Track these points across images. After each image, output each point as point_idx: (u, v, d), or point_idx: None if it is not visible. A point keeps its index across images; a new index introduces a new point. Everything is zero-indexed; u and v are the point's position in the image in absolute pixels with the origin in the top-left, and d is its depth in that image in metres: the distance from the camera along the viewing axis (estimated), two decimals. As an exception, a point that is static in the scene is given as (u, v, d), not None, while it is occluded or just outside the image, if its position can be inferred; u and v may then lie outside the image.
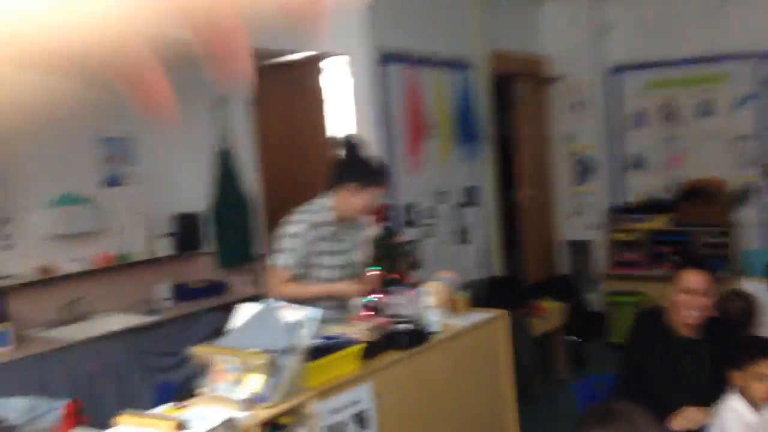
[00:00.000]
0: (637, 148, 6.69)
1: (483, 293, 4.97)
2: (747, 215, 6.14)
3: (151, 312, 4.51)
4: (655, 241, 6.30)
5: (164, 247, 4.95)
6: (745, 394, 2.50)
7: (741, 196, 6.16)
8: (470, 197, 5.62)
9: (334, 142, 4.58)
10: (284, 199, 4.94)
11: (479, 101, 5.66)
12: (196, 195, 5.08)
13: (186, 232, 5.10)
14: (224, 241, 4.99)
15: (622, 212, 6.60)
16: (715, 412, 2.55)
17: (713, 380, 2.88)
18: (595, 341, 5.93)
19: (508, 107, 6.33)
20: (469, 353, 3.02)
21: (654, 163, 6.62)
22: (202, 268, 5.13)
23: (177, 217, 5.12)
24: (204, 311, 4.55)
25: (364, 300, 3.00)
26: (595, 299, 6.48)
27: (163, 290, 4.78)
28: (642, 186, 6.67)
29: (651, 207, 6.45)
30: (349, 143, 3.20)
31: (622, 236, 6.44)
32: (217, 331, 2.35)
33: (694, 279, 2.90)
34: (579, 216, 6.85)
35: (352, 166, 3.08)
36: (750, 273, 5.91)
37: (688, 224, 6.11)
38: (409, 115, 4.93)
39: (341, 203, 3.04)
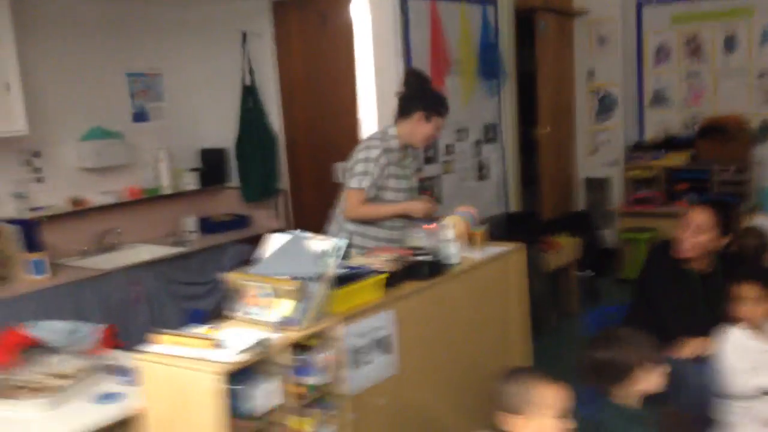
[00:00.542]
0: (658, 84, 6.66)
1: (500, 228, 5.08)
2: (766, 152, 6.14)
3: (178, 243, 4.68)
4: (672, 178, 6.33)
5: (190, 182, 5.09)
6: (743, 319, 2.62)
7: (761, 133, 6.15)
8: (490, 134, 5.66)
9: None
10: (310, 135, 5.05)
11: (502, 36, 5.64)
12: (221, 130, 5.18)
13: (211, 167, 5.23)
14: (248, 176, 5.11)
15: (640, 149, 6.62)
16: (718, 340, 2.67)
17: (723, 313, 3.00)
18: (607, 276, 6.05)
19: (530, 42, 6.30)
20: (485, 285, 3.15)
21: (675, 100, 6.59)
22: (227, 202, 5.27)
23: (202, 152, 5.24)
24: (229, 243, 4.71)
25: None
26: (609, 236, 6.57)
27: (189, 223, 4.94)
28: (662, 123, 6.67)
29: (669, 144, 6.47)
30: (416, 74, 3.48)
31: (639, 173, 6.48)
32: (244, 262, 2.48)
33: (694, 215, 2.99)
34: (597, 153, 6.87)
35: (418, 97, 3.35)
36: (767, 209, 5.97)
37: (707, 161, 6.13)
38: (432, 51, 4.93)
39: (406, 131, 3.36)
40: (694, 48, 6.43)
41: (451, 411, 2.92)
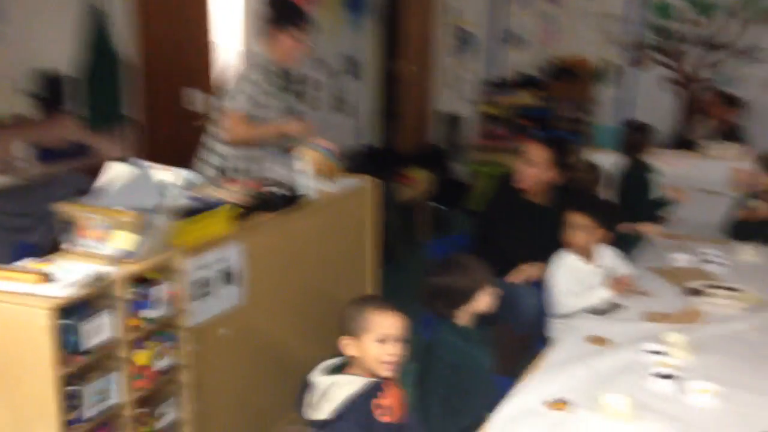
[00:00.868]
0: (516, 24, 6.86)
1: (358, 161, 5.14)
2: (606, 93, 6.55)
3: (7, 172, 4.35)
4: (521, 115, 6.64)
5: (26, 107, 4.72)
6: (572, 245, 2.86)
7: (602, 75, 6.55)
8: (351, 66, 5.65)
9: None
10: (165, 61, 4.80)
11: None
12: (62, 54, 4.81)
13: (50, 92, 4.86)
14: (93, 103, 4.82)
15: (494, 87, 6.86)
16: (552, 265, 2.90)
17: (559, 241, 3.24)
18: (457, 208, 6.32)
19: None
20: (338, 218, 3.21)
21: (530, 40, 6.84)
22: (68, 130, 4.95)
23: (41, 76, 4.86)
24: (65, 173, 4.44)
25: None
26: (461, 169, 6.83)
27: (21, 150, 4.60)
28: (517, 62, 6.92)
29: (522, 83, 6.74)
30: None
31: (491, 110, 6.74)
32: (81, 192, 2.37)
33: (530, 150, 3.19)
34: (455, 88, 7.06)
35: (276, 17, 3.31)
36: (602, 146, 6.42)
37: (554, 100, 6.47)
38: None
39: (277, 49, 3.31)
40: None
41: (301, 339, 2.99)
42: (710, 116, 5.51)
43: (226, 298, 2.51)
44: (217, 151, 3.37)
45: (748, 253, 3.20)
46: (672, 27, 6.17)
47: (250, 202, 2.70)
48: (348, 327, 1.95)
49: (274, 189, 2.86)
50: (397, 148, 6.58)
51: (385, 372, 1.92)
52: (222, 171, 3.35)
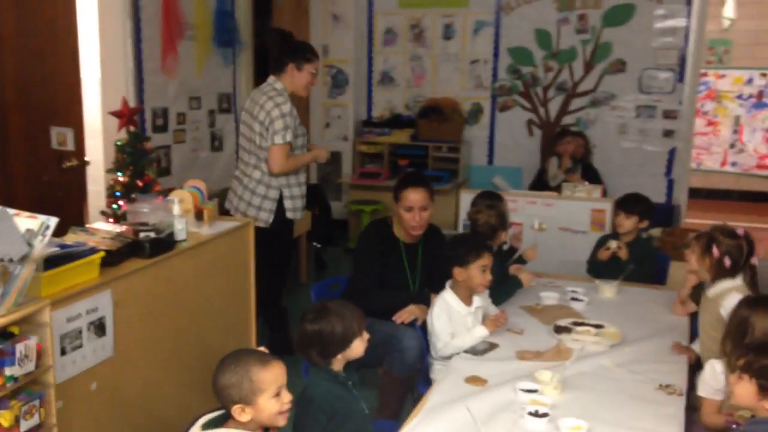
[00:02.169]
0: (386, 65, 7.06)
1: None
2: (475, 134, 6.85)
3: None
4: (395, 153, 6.81)
5: None
6: (456, 288, 2.92)
7: (472, 116, 6.84)
8: (225, 103, 5.57)
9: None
10: (23, 97, 4.51)
11: (239, 4, 5.55)
12: None
13: None
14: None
15: (369, 125, 7.00)
16: (432, 305, 2.95)
17: (429, 279, 3.31)
18: (336, 247, 6.35)
19: (268, 13, 6.29)
20: (214, 261, 3.12)
21: (400, 81, 7.04)
22: None
23: None
24: None
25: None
26: (339, 207, 6.89)
27: None
28: (388, 101, 7.10)
29: (394, 122, 6.92)
30: (275, 32, 4.00)
31: (367, 148, 6.86)
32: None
33: (413, 197, 3.25)
34: (330, 127, 7.13)
35: (284, 51, 3.80)
36: (474, 185, 6.68)
37: (425, 140, 6.68)
38: (164, 13, 4.69)
39: (295, 83, 3.80)
40: (418, 33, 6.91)
41: (179, 391, 2.87)
42: (569, 159, 5.87)
43: (97, 351, 2.37)
44: (273, 185, 3.78)
45: (609, 291, 3.41)
46: (531, 72, 6.56)
47: (120, 247, 2.58)
48: (235, 395, 1.87)
49: (146, 233, 2.75)
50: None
51: (282, 421, 1.90)
52: (281, 200, 3.81)
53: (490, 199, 3.48)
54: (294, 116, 3.69)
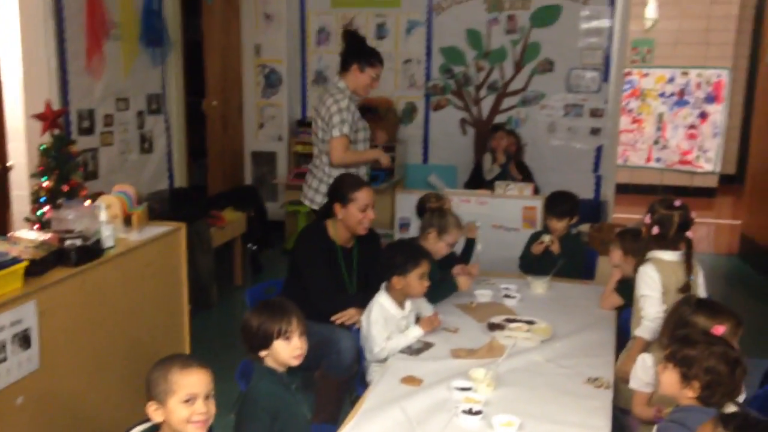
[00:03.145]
0: (320, 64, 7.03)
1: (164, 205, 4.95)
2: (410, 133, 6.89)
3: None
4: (331, 154, 6.78)
5: None
6: (391, 292, 2.94)
7: (406, 115, 6.88)
8: (154, 104, 5.45)
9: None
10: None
11: (166, 3, 5.43)
12: None
13: None
14: None
15: (303, 125, 6.95)
16: (367, 309, 2.95)
17: (365, 282, 3.32)
18: (272, 248, 6.29)
19: (197, 12, 6.19)
20: (144, 267, 3.06)
21: (334, 80, 6.99)
22: None
23: None
24: None
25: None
26: (275, 209, 6.83)
27: None
28: (322, 101, 7.06)
29: (330, 122, 6.88)
30: (349, 34, 4.13)
31: (302, 148, 6.83)
32: None
33: (368, 196, 3.26)
34: (264, 127, 7.06)
35: (351, 52, 3.98)
36: (410, 185, 6.73)
37: (361, 139, 6.67)
38: (87, 12, 4.55)
39: (351, 83, 3.95)
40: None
41: (108, 400, 2.80)
42: (501, 157, 5.99)
43: (22, 364, 2.30)
44: (334, 175, 3.84)
45: (540, 287, 3.49)
46: (463, 72, 6.64)
47: (45, 256, 2.51)
48: (153, 392, 1.87)
49: (72, 241, 2.67)
50: (207, 189, 6.44)
51: None
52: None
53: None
54: (351, 111, 3.91)
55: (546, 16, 6.39)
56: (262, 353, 2.25)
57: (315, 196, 4.06)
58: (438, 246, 3.44)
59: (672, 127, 9.06)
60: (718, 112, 8.83)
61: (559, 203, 3.86)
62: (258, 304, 2.35)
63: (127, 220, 3.14)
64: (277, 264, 6.09)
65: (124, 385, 2.85)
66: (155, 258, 3.15)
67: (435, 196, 3.65)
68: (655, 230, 2.80)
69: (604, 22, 6.32)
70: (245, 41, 6.91)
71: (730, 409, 2.04)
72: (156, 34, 5.30)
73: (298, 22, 6.97)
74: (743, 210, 6.86)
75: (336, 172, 3.87)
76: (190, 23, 6.09)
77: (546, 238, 3.76)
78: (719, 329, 2.18)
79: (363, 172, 4.07)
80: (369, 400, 2.42)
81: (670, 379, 2.13)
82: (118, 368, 2.84)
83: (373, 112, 6.67)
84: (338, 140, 3.86)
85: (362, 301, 3.12)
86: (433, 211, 3.49)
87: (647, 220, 2.84)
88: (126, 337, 2.92)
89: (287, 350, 2.25)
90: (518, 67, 6.54)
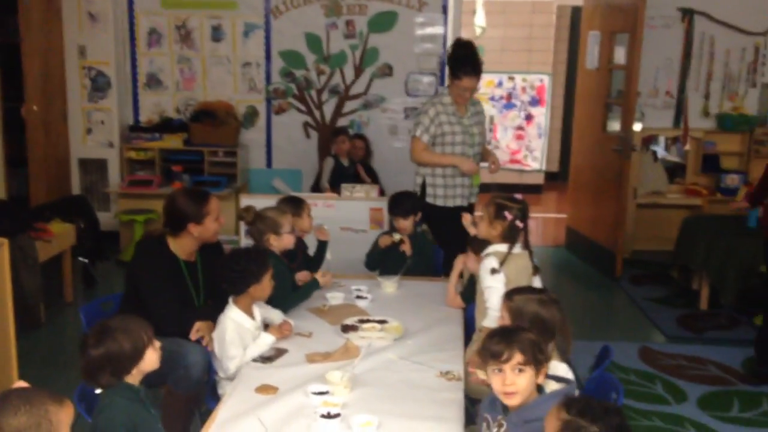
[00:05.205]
0: (152, 67, 6.71)
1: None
2: (252, 137, 6.76)
3: None
4: (168, 159, 6.51)
5: None
6: (239, 304, 2.83)
7: (247, 119, 6.74)
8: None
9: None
10: None
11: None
12: None
13: None
14: None
15: (137, 131, 6.61)
16: (219, 327, 2.82)
17: (211, 294, 3.19)
18: (107, 260, 5.91)
19: (13, 12, 5.69)
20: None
21: (168, 83, 6.74)
22: None
23: None
24: None
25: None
26: (108, 219, 6.43)
27: None
28: (156, 105, 6.76)
29: (164, 126, 6.60)
30: (457, 42, 4.33)
31: (136, 155, 6.49)
32: None
33: (218, 204, 3.14)
34: (93, 133, 6.63)
35: (449, 62, 4.26)
36: (253, 189, 6.60)
37: (200, 144, 6.46)
38: None
39: (453, 92, 4.24)
40: (185, 34, 6.66)
41: None
42: (346, 158, 6.03)
43: None
44: (420, 171, 4.35)
45: (390, 286, 3.53)
46: (304, 76, 6.62)
47: None
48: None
49: None
50: (29, 200, 5.93)
51: None
52: (423, 186, 4.33)
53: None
54: (431, 117, 4.22)
55: (383, 22, 6.51)
56: (124, 375, 2.14)
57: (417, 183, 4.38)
58: (283, 242, 3.35)
59: (502, 129, 9.56)
60: (541, 115, 9.45)
61: (401, 202, 3.93)
62: (94, 329, 2.17)
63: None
64: (112, 277, 5.72)
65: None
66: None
67: (243, 210, 3.50)
68: (520, 225, 2.92)
69: (438, 29, 6.55)
70: (68, 42, 6.45)
71: (560, 369, 2.14)
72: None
73: (126, 23, 6.61)
74: (567, 204, 7.37)
75: (422, 170, 4.33)
76: (6, 23, 5.58)
77: (397, 236, 3.82)
78: None
79: (449, 172, 4.27)
80: (222, 412, 2.32)
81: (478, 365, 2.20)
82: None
83: (211, 116, 6.48)
84: (413, 140, 4.29)
85: (210, 313, 2.99)
86: (253, 223, 3.39)
87: (509, 216, 2.91)
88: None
89: (142, 364, 2.16)
90: (358, 71, 6.61)
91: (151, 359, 2.20)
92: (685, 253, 5.38)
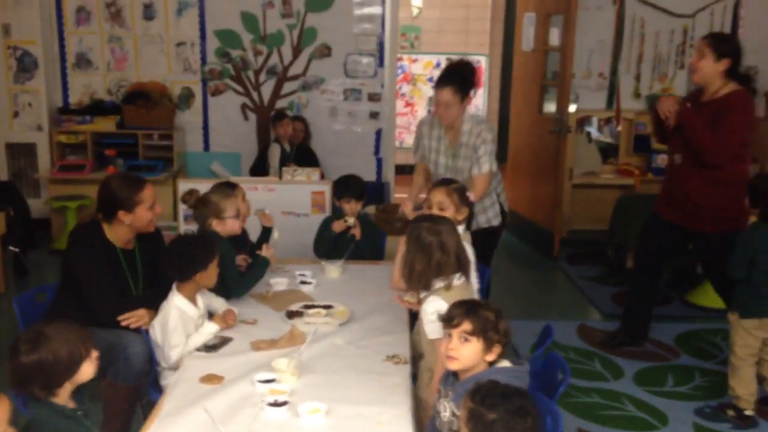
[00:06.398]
0: (81, 46, 6.46)
1: None
2: (188, 119, 6.59)
3: None
4: (101, 143, 6.30)
5: None
6: (183, 291, 2.77)
7: (182, 101, 6.57)
8: None
9: None
10: None
11: None
12: None
13: None
14: None
15: (67, 113, 6.36)
16: (162, 314, 2.75)
17: (151, 283, 3.11)
18: (38, 249, 5.70)
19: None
20: None
21: (98, 63, 6.50)
22: None
23: None
24: None
25: None
26: (38, 205, 6.19)
27: None
28: (86, 86, 6.52)
29: (96, 108, 6.38)
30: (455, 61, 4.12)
31: (66, 138, 6.25)
32: None
33: (152, 193, 3.05)
34: (19, 116, 6.35)
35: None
36: (191, 173, 6.46)
37: (133, 127, 6.27)
38: None
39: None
40: (116, 12, 6.42)
41: None
42: (288, 143, 5.96)
43: None
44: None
45: (334, 271, 3.52)
46: (241, 56, 6.49)
47: None
48: None
49: None
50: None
51: None
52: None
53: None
54: (417, 132, 4.22)
55: (320, 1, 6.41)
56: (57, 389, 2.02)
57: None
58: (227, 227, 3.28)
59: (440, 110, 9.61)
60: (479, 96, 9.53)
61: (352, 186, 3.89)
62: (26, 336, 2.05)
63: None
64: (45, 266, 5.52)
65: None
66: None
67: (187, 193, 3.42)
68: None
69: (376, 9, 6.50)
70: (-11, 19, 6.15)
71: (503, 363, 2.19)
72: None
73: (53, 0, 6.33)
74: (507, 185, 7.46)
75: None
76: None
77: (350, 220, 3.78)
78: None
79: None
80: (167, 404, 2.28)
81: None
82: None
83: (145, 98, 6.29)
84: (487, 176, 3.88)
85: (151, 301, 2.92)
86: (195, 206, 3.32)
87: (472, 197, 3.19)
88: None
89: (78, 374, 2.06)
90: (296, 51, 6.52)
91: (86, 372, 2.07)
92: (620, 232, 5.53)
